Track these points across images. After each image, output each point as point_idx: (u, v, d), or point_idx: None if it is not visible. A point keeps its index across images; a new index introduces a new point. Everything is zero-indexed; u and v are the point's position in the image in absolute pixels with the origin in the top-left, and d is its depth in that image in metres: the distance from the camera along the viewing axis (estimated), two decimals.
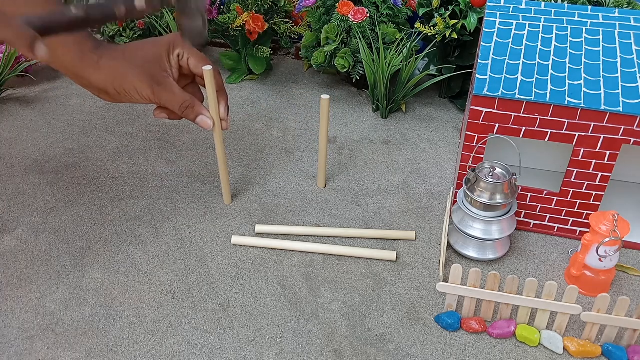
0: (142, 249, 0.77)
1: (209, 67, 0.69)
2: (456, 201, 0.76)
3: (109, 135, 1.00)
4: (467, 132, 0.72)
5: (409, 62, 0.99)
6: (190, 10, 0.61)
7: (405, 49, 0.99)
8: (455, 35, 0.94)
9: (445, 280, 0.72)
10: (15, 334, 0.66)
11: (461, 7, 0.94)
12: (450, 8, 0.95)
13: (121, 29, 1.12)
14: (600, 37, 0.72)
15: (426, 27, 0.96)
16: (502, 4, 0.77)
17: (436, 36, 0.96)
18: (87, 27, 0.56)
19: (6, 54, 1.07)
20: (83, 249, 0.77)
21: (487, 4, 0.77)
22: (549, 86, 0.68)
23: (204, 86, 0.72)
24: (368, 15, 0.99)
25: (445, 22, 0.95)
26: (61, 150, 0.96)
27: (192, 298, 0.70)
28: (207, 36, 0.64)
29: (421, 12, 0.97)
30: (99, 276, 0.73)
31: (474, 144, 0.73)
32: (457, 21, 0.94)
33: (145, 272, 0.74)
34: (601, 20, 0.74)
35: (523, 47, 0.72)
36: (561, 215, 0.77)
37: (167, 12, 1.10)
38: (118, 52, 0.68)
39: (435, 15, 0.96)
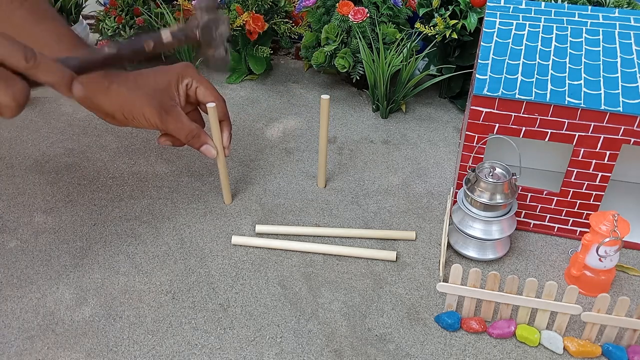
0: (142, 249, 0.77)
1: (212, 104, 0.72)
2: (456, 201, 0.76)
3: (108, 135, 1.00)
4: (467, 132, 0.72)
5: (409, 62, 0.99)
6: (215, 42, 0.64)
7: (405, 49, 0.99)
8: (455, 35, 0.94)
9: (445, 280, 0.72)
10: (15, 333, 0.66)
11: (461, 7, 0.94)
12: (450, 8, 0.95)
13: (120, 26, 1.12)
14: (600, 37, 0.72)
15: (426, 27, 0.96)
16: (502, 4, 0.77)
17: (436, 36, 0.96)
18: (119, 64, 0.59)
19: None
20: (83, 249, 0.77)
21: (487, 4, 0.77)
22: (549, 86, 0.68)
23: (207, 113, 0.74)
24: (368, 15, 0.99)
25: (445, 22, 0.95)
26: (61, 150, 0.96)
27: (192, 298, 0.70)
28: (230, 62, 0.66)
29: (421, 12, 0.97)
30: (99, 276, 0.73)
31: (474, 144, 0.73)
32: (457, 21, 0.94)
33: (145, 272, 0.74)
34: (601, 20, 0.74)
35: (523, 47, 0.72)
36: (561, 215, 0.77)
37: (167, 12, 1.10)
38: (129, 79, 0.70)
39: (435, 15, 0.96)
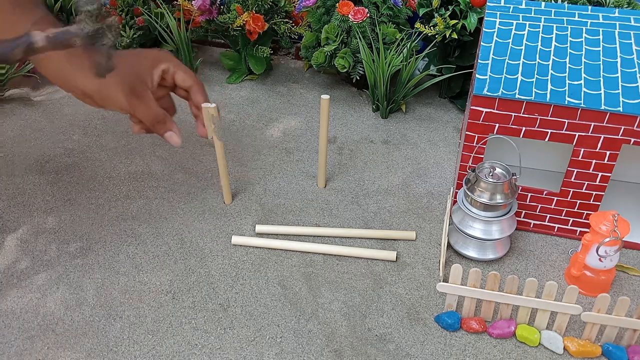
0: (142, 249, 0.77)
1: (207, 105, 0.73)
2: (456, 201, 0.76)
3: (107, 135, 1.00)
4: (467, 132, 0.72)
5: (409, 62, 0.99)
6: (97, 50, 0.58)
7: (406, 49, 0.99)
8: (455, 35, 0.94)
9: (445, 280, 0.72)
10: (16, 333, 0.66)
11: (461, 7, 0.94)
12: (450, 8, 0.95)
13: (120, 26, 1.12)
14: (600, 37, 0.72)
15: (426, 27, 0.96)
16: (502, 4, 0.77)
17: (436, 36, 0.96)
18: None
19: None
20: (83, 249, 0.77)
21: (487, 4, 0.77)
22: (549, 86, 0.68)
23: (184, 98, 0.75)
24: (368, 15, 0.99)
25: (445, 22, 0.94)
26: (61, 150, 0.96)
27: (192, 298, 0.70)
28: (110, 69, 0.60)
29: (421, 12, 0.97)
30: (99, 276, 0.73)
31: (474, 144, 0.73)
32: (457, 21, 0.94)
33: (145, 272, 0.74)
34: (601, 20, 0.74)
35: (523, 47, 0.72)
36: (561, 215, 0.77)
37: (167, 12, 1.10)
38: None
39: (435, 15, 0.96)
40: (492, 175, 0.70)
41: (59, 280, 0.73)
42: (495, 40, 0.73)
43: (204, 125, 0.76)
